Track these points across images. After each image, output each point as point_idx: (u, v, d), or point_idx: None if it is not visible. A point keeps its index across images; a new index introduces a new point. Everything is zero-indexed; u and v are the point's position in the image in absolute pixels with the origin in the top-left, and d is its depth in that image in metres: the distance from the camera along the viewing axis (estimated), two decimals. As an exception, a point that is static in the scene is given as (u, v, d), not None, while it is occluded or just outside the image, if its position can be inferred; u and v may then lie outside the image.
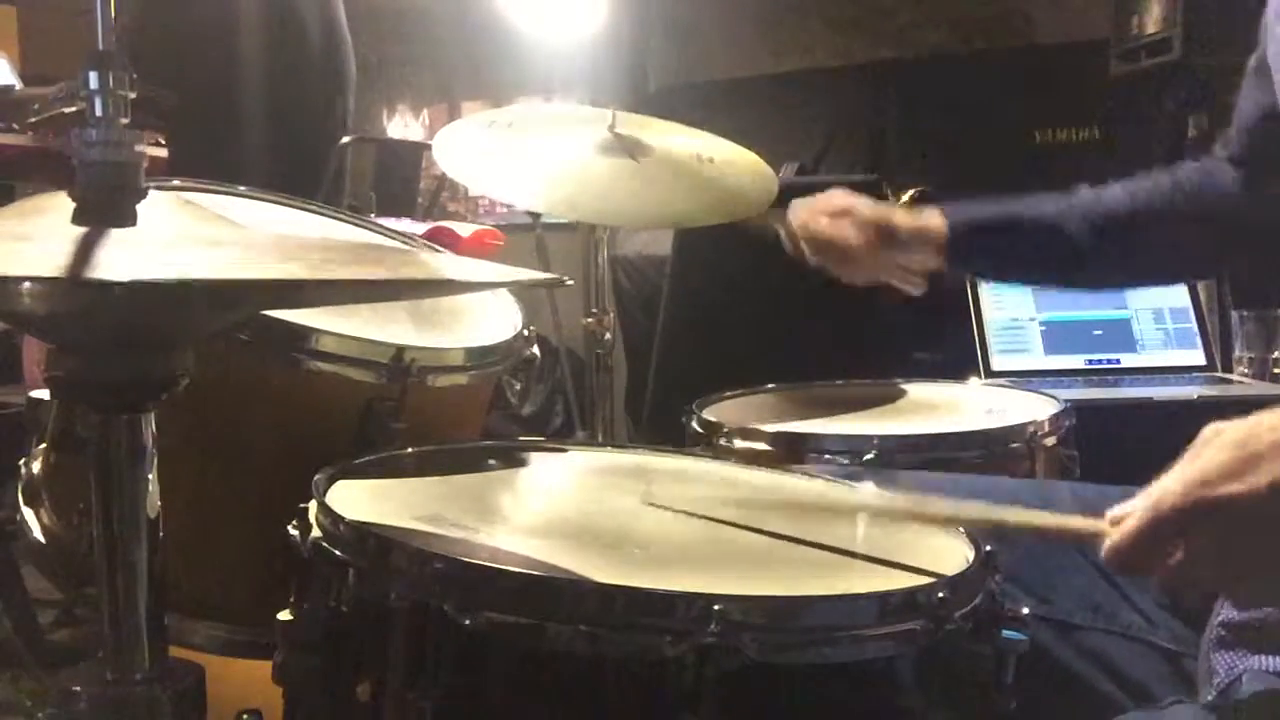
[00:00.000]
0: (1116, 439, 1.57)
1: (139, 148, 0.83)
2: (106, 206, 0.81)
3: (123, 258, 0.75)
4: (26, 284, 0.73)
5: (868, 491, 1.07)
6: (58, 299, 0.77)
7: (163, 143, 2.80)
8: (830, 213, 1.49)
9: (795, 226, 1.52)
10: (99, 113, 0.81)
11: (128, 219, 0.81)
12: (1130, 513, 0.78)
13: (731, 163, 1.77)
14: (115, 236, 0.78)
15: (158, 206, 0.85)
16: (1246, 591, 0.79)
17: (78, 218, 0.81)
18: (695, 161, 1.69)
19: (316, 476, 0.95)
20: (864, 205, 1.49)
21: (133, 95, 0.83)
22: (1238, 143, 1.35)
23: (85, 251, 0.73)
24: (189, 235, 0.88)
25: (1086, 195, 1.43)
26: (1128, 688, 1.00)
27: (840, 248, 1.47)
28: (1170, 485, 0.76)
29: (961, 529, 0.93)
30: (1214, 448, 0.76)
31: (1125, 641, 1.02)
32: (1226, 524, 0.75)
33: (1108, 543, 0.79)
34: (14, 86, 3.27)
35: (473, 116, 1.86)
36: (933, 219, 1.45)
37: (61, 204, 0.82)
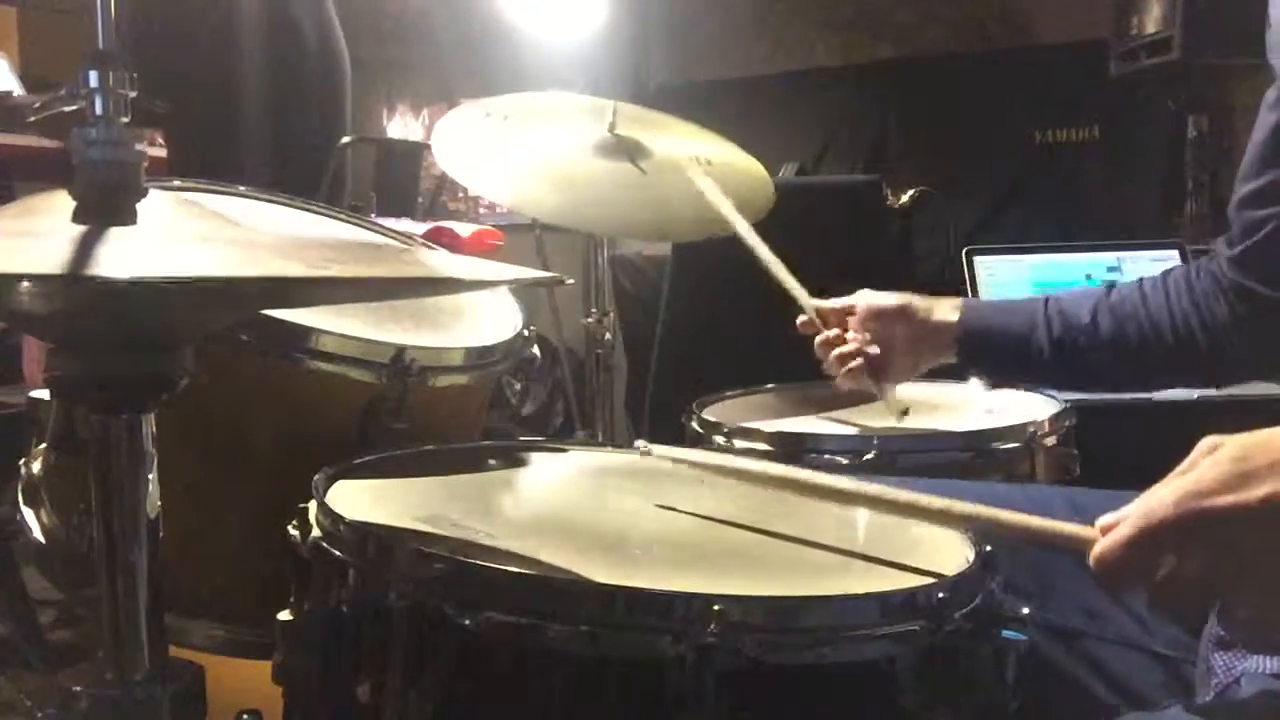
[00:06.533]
0: (1116, 439, 1.57)
1: (139, 147, 0.83)
2: (106, 205, 0.81)
3: (123, 257, 0.75)
4: (26, 283, 0.73)
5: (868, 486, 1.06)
6: (58, 298, 0.77)
7: (162, 143, 2.80)
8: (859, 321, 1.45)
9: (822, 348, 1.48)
10: (99, 111, 0.81)
11: (128, 218, 0.82)
12: (1121, 520, 0.77)
13: (729, 166, 1.76)
14: (115, 235, 0.78)
15: (158, 206, 0.85)
16: (1232, 609, 0.77)
17: (78, 217, 0.81)
18: (694, 165, 1.68)
19: (316, 476, 0.95)
20: (881, 299, 1.45)
21: (133, 94, 0.83)
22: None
23: (85, 250, 0.73)
24: (189, 235, 0.88)
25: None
26: (1124, 694, 1.00)
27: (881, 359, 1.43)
28: (1163, 495, 0.75)
29: (959, 528, 0.92)
30: (1210, 461, 0.75)
31: (1121, 648, 1.02)
32: (1217, 538, 0.73)
33: (1095, 550, 0.77)
34: (13, 91, 3.29)
35: (469, 104, 1.85)
36: (948, 313, 1.42)
37: (62, 203, 0.82)
